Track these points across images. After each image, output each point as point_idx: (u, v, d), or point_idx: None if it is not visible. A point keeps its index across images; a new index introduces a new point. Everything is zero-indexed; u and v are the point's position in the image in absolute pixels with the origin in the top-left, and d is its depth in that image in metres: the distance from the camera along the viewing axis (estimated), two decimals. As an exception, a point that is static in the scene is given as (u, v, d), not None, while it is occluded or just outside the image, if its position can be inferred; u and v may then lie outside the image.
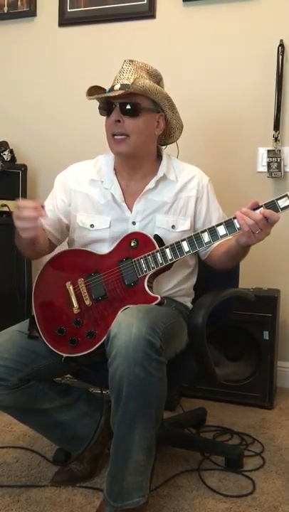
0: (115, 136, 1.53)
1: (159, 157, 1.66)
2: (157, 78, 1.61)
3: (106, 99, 1.54)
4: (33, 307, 1.54)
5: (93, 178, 1.63)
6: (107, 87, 1.56)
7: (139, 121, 1.53)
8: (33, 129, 2.87)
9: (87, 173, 1.65)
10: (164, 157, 1.66)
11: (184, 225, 1.61)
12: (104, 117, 1.57)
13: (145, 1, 2.61)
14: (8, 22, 2.89)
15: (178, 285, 1.63)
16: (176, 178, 1.63)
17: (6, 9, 2.89)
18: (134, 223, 1.58)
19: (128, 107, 1.51)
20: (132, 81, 1.51)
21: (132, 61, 1.57)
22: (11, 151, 2.67)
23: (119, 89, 1.49)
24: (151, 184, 1.60)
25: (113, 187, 1.60)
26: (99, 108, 1.58)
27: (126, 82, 1.52)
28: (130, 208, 1.59)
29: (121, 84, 1.51)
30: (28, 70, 2.89)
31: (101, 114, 1.57)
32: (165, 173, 1.62)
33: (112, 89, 1.52)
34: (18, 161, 2.72)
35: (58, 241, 1.67)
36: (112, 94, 1.49)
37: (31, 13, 2.84)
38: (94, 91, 1.55)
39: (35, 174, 2.83)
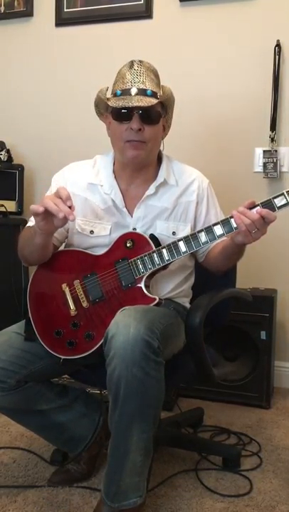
0: (132, 142, 1.49)
1: (158, 160, 1.64)
2: (159, 77, 1.58)
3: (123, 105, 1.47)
4: (29, 309, 1.52)
5: (92, 181, 1.59)
6: (106, 86, 1.54)
7: (156, 129, 1.52)
8: (30, 129, 2.87)
9: (86, 176, 1.61)
10: (164, 161, 1.63)
11: (185, 231, 1.58)
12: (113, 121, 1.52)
13: (142, 1, 2.62)
14: (5, 22, 2.90)
15: (177, 287, 1.63)
16: (176, 183, 1.61)
17: (2, 9, 2.89)
18: (134, 229, 1.56)
19: (150, 115, 1.48)
20: (147, 85, 1.48)
21: (141, 62, 1.53)
22: (8, 151, 2.67)
23: (137, 93, 1.46)
24: (151, 190, 1.58)
25: (113, 192, 1.57)
26: (112, 113, 1.50)
27: (142, 86, 1.48)
28: (131, 213, 1.57)
29: (138, 89, 1.47)
30: (25, 70, 2.89)
31: (114, 118, 1.51)
32: (165, 178, 1.59)
33: (127, 92, 1.47)
34: (15, 161, 2.72)
35: (60, 243, 1.64)
36: (142, 104, 1.43)
37: (28, 13, 2.84)
38: (112, 99, 1.50)
39: (32, 174, 2.83)
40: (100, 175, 1.60)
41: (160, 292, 1.57)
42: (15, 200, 2.66)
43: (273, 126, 2.42)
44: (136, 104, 1.45)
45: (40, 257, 1.52)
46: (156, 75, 1.56)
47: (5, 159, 2.65)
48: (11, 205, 2.63)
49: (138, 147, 1.50)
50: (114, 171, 1.60)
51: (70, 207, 1.31)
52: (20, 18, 2.87)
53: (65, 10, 2.77)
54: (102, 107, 1.58)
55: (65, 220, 1.33)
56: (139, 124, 1.47)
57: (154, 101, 1.46)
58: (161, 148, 1.67)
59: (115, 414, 1.29)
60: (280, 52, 2.40)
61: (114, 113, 1.51)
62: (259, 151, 2.47)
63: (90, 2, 2.71)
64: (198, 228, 1.60)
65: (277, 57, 2.40)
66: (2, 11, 2.89)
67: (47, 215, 1.34)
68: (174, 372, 1.41)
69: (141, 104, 1.45)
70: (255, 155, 2.50)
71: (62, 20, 2.78)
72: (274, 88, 2.41)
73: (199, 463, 1.75)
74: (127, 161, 1.54)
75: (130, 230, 1.56)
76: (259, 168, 2.48)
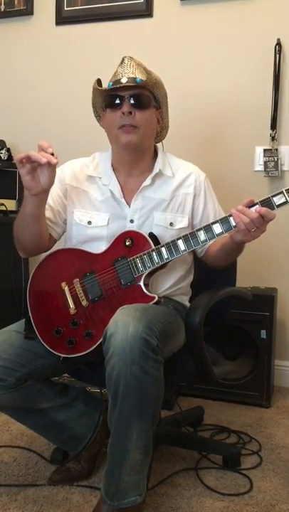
0: (124, 127, 1.52)
1: (155, 154, 1.67)
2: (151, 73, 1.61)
3: (112, 93, 1.53)
4: (29, 308, 1.53)
5: (91, 174, 1.63)
6: (105, 84, 1.57)
7: (148, 114, 1.55)
8: (31, 128, 2.87)
9: (85, 169, 1.64)
10: (160, 153, 1.66)
11: (182, 223, 1.61)
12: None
13: (142, 0, 2.61)
14: (5, 21, 2.90)
15: (176, 283, 1.63)
16: (172, 174, 1.63)
17: (2, 8, 2.89)
18: (132, 221, 1.57)
19: (139, 99, 1.52)
20: (137, 75, 1.53)
21: (132, 57, 1.59)
22: (8, 150, 2.67)
23: (127, 82, 1.50)
24: (148, 181, 1.60)
25: (112, 183, 1.60)
26: (105, 102, 1.56)
27: (132, 75, 1.53)
28: (129, 204, 1.59)
29: (128, 78, 1.52)
30: (25, 69, 2.88)
31: (107, 106, 1.56)
32: (161, 169, 1.61)
33: (118, 82, 1.52)
34: (16, 160, 2.72)
35: (58, 235, 1.66)
36: (129, 84, 1.50)
37: (28, 11, 2.84)
38: (100, 84, 1.57)
39: (33, 173, 2.83)
40: (98, 168, 1.64)
41: (159, 289, 1.58)
42: (15, 199, 2.66)
43: (274, 125, 2.42)
44: (123, 85, 1.49)
45: (33, 237, 1.53)
46: (148, 72, 1.58)
47: (5, 158, 2.65)
48: (11, 204, 2.63)
49: (130, 131, 1.52)
50: (112, 165, 1.63)
51: (52, 154, 1.37)
52: (20, 17, 2.86)
53: (66, 8, 2.76)
54: (98, 106, 1.62)
55: (51, 170, 1.38)
56: (129, 107, 1.51)
57: (143, 84, 1.51)
58: (161, 148, 1.70)
59: (114, 412, 1.29)
60: (280, 50, 2.40)
61: (107, 101, 1.56)
62: (260, 150, 2.47)
63: (91, 0, 2.70)
64: (196, 221, 1.64)
65: (277, 55, 2.39)
66: (2, 10, 2.88)
67: (32, 169, 1.38)
68: (174, 371, 1.41)
69: (128, 84, 1.50)
70: (255, 154, 2.49)
71: (63, 18, 2.78)
72: (274, 87, 2.41)
73: (199, 462, 1.75)
74: (122, 147, 1.56)
75: (128, 221, 1.57)
76: (260, 167, 2.47)
